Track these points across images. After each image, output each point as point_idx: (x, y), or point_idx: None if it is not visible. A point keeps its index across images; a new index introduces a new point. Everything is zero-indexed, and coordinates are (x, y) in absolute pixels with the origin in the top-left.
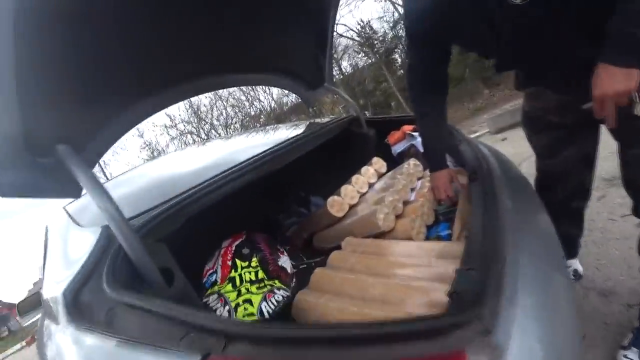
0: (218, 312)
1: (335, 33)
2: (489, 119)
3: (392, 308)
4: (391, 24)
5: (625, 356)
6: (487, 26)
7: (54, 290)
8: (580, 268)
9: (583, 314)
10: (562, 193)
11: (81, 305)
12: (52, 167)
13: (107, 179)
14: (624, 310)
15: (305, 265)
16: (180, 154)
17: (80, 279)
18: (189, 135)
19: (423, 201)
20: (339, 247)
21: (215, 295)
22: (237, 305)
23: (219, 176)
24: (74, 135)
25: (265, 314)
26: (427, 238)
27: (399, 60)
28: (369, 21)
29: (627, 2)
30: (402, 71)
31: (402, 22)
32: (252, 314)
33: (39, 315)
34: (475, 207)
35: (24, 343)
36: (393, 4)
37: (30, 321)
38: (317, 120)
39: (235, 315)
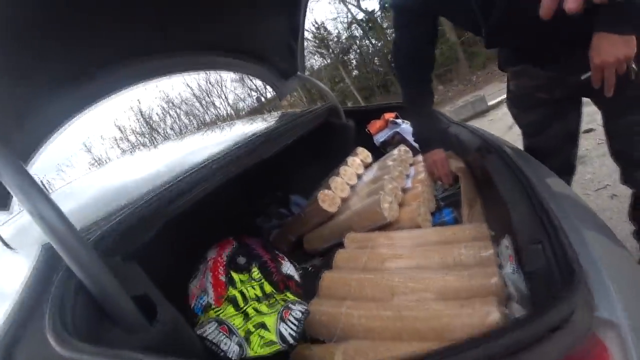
0: (224, 347)
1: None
2: (452, 111)
3: (436, 304)
4: (345, 25)
5: None
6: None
7: None
8: None
9: None
10: (551, 170)
11: None
12: None
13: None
14: None
15: (301, 272)
16: (132, 159)
17: (12, 330)
18: (141, 147)
19: (423, 187)
20: (335, 246)
21: (214, 324)
22: (248, 333)
23: (188, 176)
24: None
25: (289, 338)
26: (432, 225)
27: (354, 60)
28: (323, 22)
29: None
30: (357, 71)
31: (355, 23)
32: (272, 343)
33: None
34: (500, 180)
35: None
36: (346, 5)
37: None
38: (289, 111)
39: (249, 347)
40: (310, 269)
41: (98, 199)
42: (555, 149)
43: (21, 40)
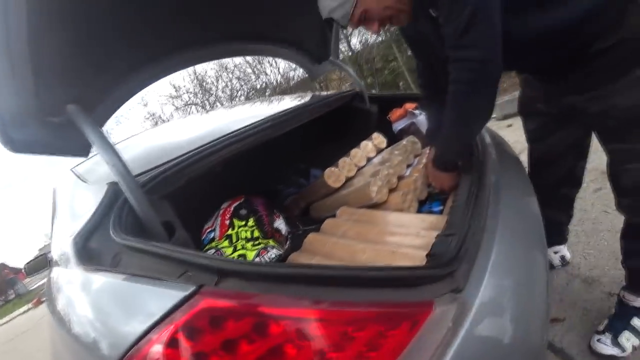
0: None
1: None
2: (497, 105)
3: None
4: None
5: (599, 340)
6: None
7: (64, 240)
8: (568, 254)
9: (565, 298)
10: (551, 178)
11: (90, 250)
12: (63, 126)
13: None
14: (605, 299)
15: (301, 232)
16: (183, 122)
17: (89, 228)
18: (193, 107)
19: (417, 176)
20: (333, 216)
21: (212, 250)
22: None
23: (219, 140)
24: (84, 96)
25: None
26: (419, 212)
27: None
28: None
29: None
30: (410, 52)
31: None
32: None
33: (45, 280)
34: (463, 181)
35: (30, 305)
36: None
37: (37, 285)
38: (321, 93)
39: None
40: (308, 231)
41: (152, 151)
42: (556, 158)
43: (107, 33)
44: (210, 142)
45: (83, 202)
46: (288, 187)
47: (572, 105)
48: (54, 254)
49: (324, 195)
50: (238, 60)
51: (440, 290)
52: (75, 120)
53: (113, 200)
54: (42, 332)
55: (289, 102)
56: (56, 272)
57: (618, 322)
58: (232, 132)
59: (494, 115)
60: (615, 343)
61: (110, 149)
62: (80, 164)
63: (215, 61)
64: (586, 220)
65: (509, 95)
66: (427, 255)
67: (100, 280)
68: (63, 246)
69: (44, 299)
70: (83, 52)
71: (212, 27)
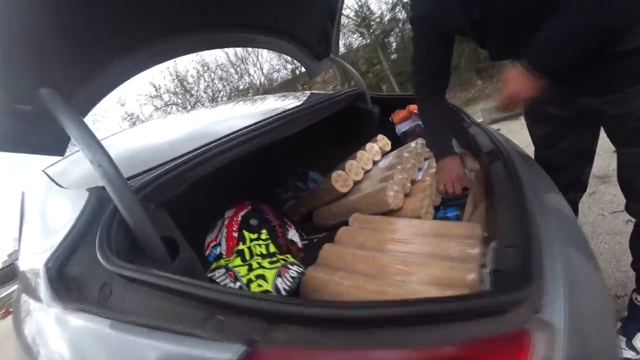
0: None
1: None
2: (484, 110)
3: (415, 287)
4: (390, 6)
5: None
6: (478, 15)
7: (33, 262)
8: None
9: None
10: (559, 185)
11: (68, 279)
12: (35, 116)
13: None
14: (612, 301)
15: (306, 242)
16: (167, 121)
17: (66, 249)
18: (173, 107)
19: (431, 181)
20: (341, 224)
21: (222, 270)
22: (250, 281)
23: (224, 140)
24: (60, 80)
25: (282, 291)
26: (434, 219)
27: (394, 44)
28: (367, 1)
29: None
30: (396, 55)
31: (400, 5)
32: (267, 292)
33: (13, 289)
34: (500, 186)
35: None
36: None
37: (4, 293)
38: (317, 91)
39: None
40: (315, 240)
41: (142, 152)
42: (565, 164)
43: (90, 13)
44: (214, 142)
45: (57, 212)
46: (285, 191)
47: (588, 107)
48: (23, 268)
49: (328, 201)
50: (221, 59)
51: (526, 314)
52: (51, 107)
53: (97, 210)
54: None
55: (276, 103)
56: (25, 298)
57: (630, 324)
58: (237, 132)
59: (482, 120)
60: (630, 346)
61: (94, 143)
62: (54, 164)
63: (198, 60)
64: (584, 224)
65: (491, 100)
66: (493, 271)
67: (88, 328)
68: (33, 270)
69: (12, 309)
70: (61, 32)
71: (211, 13)
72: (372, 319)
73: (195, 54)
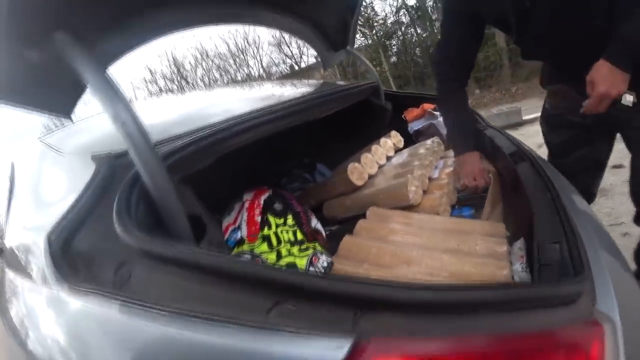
0: None
1: None
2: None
3: (445, 282)
4: (394, 9)
5: None
6: (519, 6)
7: (27, 236)
8: None
9: None
10: None
11: (76, 255)
12: (46, 65)
13: None
14: None
15: (335, 229)
16: (184, 97)
17: (73, 220)
18: (168, 93)
19: (448, 179)
20: (353, 217)
21: (248, 256)
22: None
23: (256, 114)
24: (80, 25)
25: None
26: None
27: (395, 47)
28: (372, 2)
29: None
30: (396, 58)
31: (404, 9)
32: None
33: None
34: (531, 186)
35: None
36: None
37: None
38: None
39: None
40: (327, 233)
41: (168, 118)
42: (579, 173)
43: None
44: (247, 116)
45: (56, 183)
46: (292, 182)
47: (616, 115)
48: (9, 245)
49: (340, 193)
50: (221, 49)
51: (589, 304)
52: (66, 53)
53: (108, 181)
54: None
55: (300, 89)
56: (12, 277)
57: None
58: (270, 108)
59: None
60: None
61: (118, 97)
62: (49, 134)
63: (196, 48)
64: None
65: (495, 109)
66: (538, 267)
67: (100, 314)
68: (26, 245)
69: None
70: None
71: None
72: (476, 304)
73: (196, 44)
